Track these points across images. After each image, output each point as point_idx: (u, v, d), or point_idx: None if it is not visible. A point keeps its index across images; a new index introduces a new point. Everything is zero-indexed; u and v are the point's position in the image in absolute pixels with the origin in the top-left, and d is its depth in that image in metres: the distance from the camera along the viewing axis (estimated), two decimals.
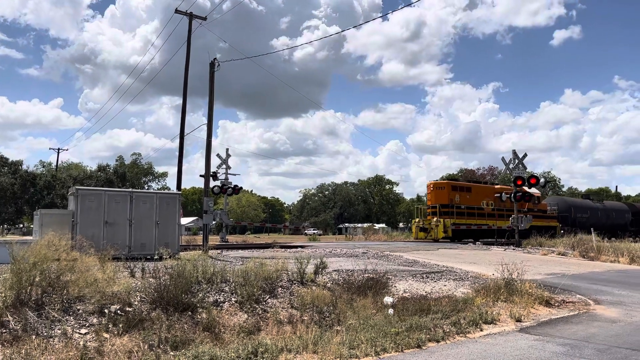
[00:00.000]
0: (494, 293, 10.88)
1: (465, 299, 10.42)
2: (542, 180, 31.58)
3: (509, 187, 35.66)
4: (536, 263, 18.15)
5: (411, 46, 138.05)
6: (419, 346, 7.45)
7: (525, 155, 28.13)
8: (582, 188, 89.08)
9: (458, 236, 33.41)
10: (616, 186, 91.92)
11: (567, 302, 11.24)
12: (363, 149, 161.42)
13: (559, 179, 78.82)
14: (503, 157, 28.88)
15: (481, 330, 8.65)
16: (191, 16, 28.89)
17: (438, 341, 7.81)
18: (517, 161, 27.91)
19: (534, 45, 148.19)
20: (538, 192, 39.01)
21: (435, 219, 33.28)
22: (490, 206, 35.80)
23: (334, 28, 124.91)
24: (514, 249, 25.34)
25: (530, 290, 10.98)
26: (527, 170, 29.24)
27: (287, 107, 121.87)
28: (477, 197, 35.94)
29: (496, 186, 38.59)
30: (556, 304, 10.98)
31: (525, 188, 35.23)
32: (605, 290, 12.89)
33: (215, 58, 19.94)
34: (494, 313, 9.58)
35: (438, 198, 34.82)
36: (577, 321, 9.51)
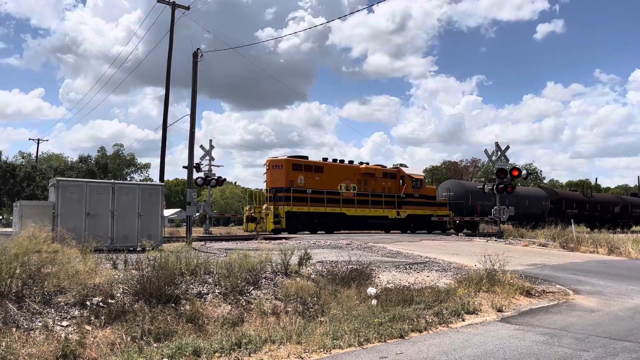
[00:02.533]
0: (476, 284, 11.01)
1: (448, 290, 10.53)
2: (524, 172, 31.80)
3: (379, 166, 32.42)
4: (518, 254, 18.39)
5: (396, 38, 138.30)
6: (401, 336, 7.52)
7: (507, 148, 28.39)
8: (563, 180, 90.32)
9: (296, 227, 27.28)
10: (596, 178, 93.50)
11: (547, 292, 11.42)
12: (348, 141, 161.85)
13: (541, 171, 79.68)
14: (486, 149, 29.07)
15: (463, 320, 8.75)
16: (174, 5, 28.56)
17: (420, 331, 7.89)
18: (499, 153, 28.16)
19: (518, 39, 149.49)
20: (420, 174, 34.59)
21: (265, 205, 26.96)
22: (353, 190, 29.03)
23: (319, 20, 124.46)
24: (496, 240, 25.64)
25: (511, 281, 11.14)
26: (509, 162, 29.54)
27: (272, 98, 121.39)
28: (332, 179, 29.04)
29: (362, 165, 31.29)
30: (537, 294, 11.15)
31: (404, 169, 33.21)
32: (585, 281, 13.11)
33: (198, 48, 19.78)
34: (476, 303, 9.70)
35: (274, 179, 27.82)
36: (556, 311, 9.67)
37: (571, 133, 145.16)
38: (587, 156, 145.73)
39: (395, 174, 32.71)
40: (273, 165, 28.11)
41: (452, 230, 34.52)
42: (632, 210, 52.79)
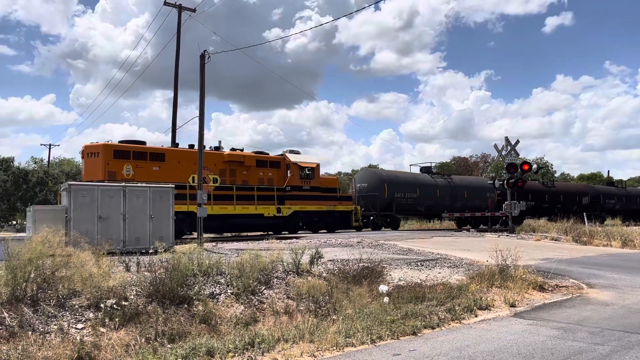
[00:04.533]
0: (488, 279, 10.97)
1: (460, 286, 10.50)
2: (534, 166, 31.58)
3: (258, 153, 26.07)
4: (530, 249, 18.28)
5: (403, 35, 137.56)
6: (414, 333, 7.52)
7: (517, 142, 28.24)
8: (575, 173, 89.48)
9: None
10: (608, 171, 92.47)
11: (560, 287, 11.35)
12: (357, 139, 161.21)
13: (552, 164, 78.99)
14: (495, 144, 28.89)
15: (476, 316, 8.73)
16: (180, 8, 28.70)
17: (433, 328, 7.88)
18: (509, 148, 28.01)
19: (526, 33, 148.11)
20: (313, 161, 27.03)
21: None
22: (213, 183, 22.65)
23: (327, 19, 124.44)
24: (507, 235, 25.51)
25: (524, 276, 11.08)
26: (519, 157, 29.37)
27: (281, 98, 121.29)
28: (179, 170, 22.43)
29: (225, 152, 24.98)
30: (550, 289, 11.09)
31: (290, 156, 26.35)
32: (598, 274, 13.02)
33: (205, 50, 19.79)
34: (489, 299, 9.67)
35: (90, 171, 21.93)
36: (570, 305, 9.61)
37: (582, 126, 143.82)
38: (598, 149, 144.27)
39: (279, 163, 26.19)
40: (88, 154, 22.05)
41: (370, 229, 30.06)
42: (604, 201, 45.95)
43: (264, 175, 25.56)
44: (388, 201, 30.29)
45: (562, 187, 45.27)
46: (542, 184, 43.55)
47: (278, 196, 25.39)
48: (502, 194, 36.92)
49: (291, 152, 27.24)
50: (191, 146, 24.03)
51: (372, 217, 30.02)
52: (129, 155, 22.04)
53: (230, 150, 25.31)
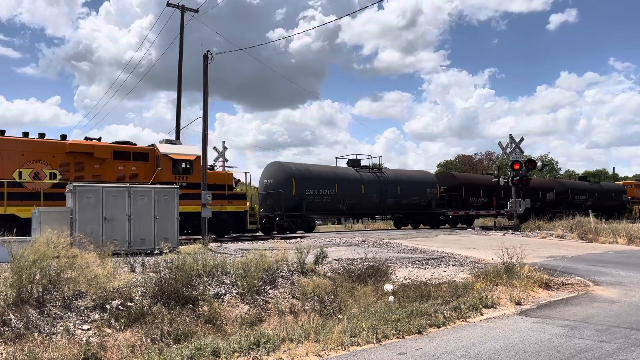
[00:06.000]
0: (494, 277, 10.94)
1: (465, 284, 10.48)
2: (539, 163, 31.48)
3: (103, 142, 21.13)
4: (535, 246, 18.23)
5: (407, 34, 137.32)
6: (419, 332, 7.50)
7: (522, 140, 28.19)
8: (580, 170, 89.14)
9: None
10: (613, 167, 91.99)
11: (566, 284, 11.31)
12: (361, 138, 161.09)
13: (557, 162, 78.79)
14: (500, 142, 28.84)
15: (481, 314, 8.70)
16: (183, 8, 28.73)
17: (439, 326, 7.86)
18: (514, 145, 27.94)
19: (530, 30, 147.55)
20: (191, 153, 22.22)
21: None
22: (52, 179, 19.07)
23: (330, 18, 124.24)
24: (512, 233, 25.45)
25: (529, 274, 11.05)
26: (524, 154, 29.28)
27: (285, 98, 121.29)
28: (2, 163, 18.47)
29: (68, 142, 20.28)
30: (555, 287, 11.05)
31: (161, 147, 21.66)
32: (604, 271, 12.96)
33: (208, 50, 19.83)
34: (494, 297, 9.64)
35: None
36: (576, 303, 9.57)
37: (587, 123, 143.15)
38: (603, 146, 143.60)
39: (147, 155, 21.56)
40: None
41: (275, 232, 25.65)
42: (573, 197, 42.00)
43: (125, 170, 20.98)
44: (297, 199, 26.00)
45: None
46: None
47: None
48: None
49: (168, 142, 22.95)
50: (25, 134, 19.59)
51: (277, 219, 25.71)
52: None
53: (85, 139, 21.07)
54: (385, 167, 35.01)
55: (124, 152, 21.05)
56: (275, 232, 25.09)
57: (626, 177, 63.77)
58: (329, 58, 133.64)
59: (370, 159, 31.83)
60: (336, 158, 33.57)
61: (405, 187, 31.00)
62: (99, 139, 21.26)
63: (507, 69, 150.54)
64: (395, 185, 30.53)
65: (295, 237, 21.29)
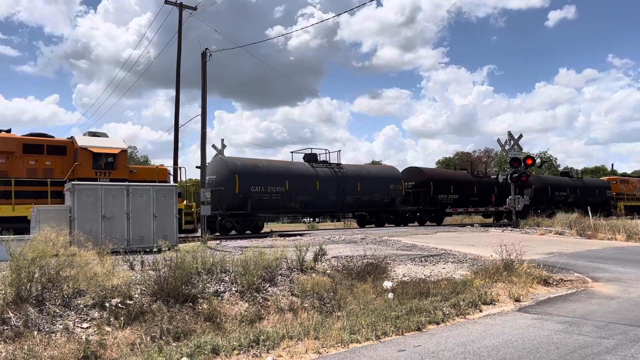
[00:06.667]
0: (493, 274, 10.95)
1: (464, 281, 10.49)
2: (538, 160, 31.45)
3: (11, 134, 19.29)
4: (534, 243, 18.25)
5: (405, 31, 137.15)
6: (419, 329, 7.51)
7: (520, 136, 28.15)
8: (579, 167, 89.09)
9: None
10: (612, 164, 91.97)
11: (565, 281, 11.32)
12: (360, 136, 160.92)
13: (555, 158, 78.81)
14: (498, 139, 28.83)
15: (480, 311, 8.71)
16: (181, 6, 28.67)
17: (438, 323, 7.87)
18: (512, 142, 27.94)
19: (529, 27, 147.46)
20: (115, 146, 20.43)
21: None
22: None
23: (328, 15, 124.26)
24: (511, 230, 25.47)
25: (528, 270, 11.06)
26: (523, 151, 29.28)
27: (283, 95, 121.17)
28: None
29: None
30: (554, 283, 11.06)
31: (80, 139, 19.91)
32: (603, 268, 12.98)
33: (206, 48, 19.79)
34: (493, 294, 9.65)
35: None
36: (575, 299, 9.59)
37: (585, 119, 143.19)
38: (602, 142, 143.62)
39: (64, 148, 19.78)
40: None
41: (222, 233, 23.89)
42: (553, 193, 40.04)
43: (37, 165, 19.08)
44: (241, 197, 24.05)
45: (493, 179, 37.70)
46: (471, 173, 36.90)
47: (57, 192, 18.17)
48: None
49: (91, 134, 21.08)
50: None
51: (219, 218, 23.95)
52: None
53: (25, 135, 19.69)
54: (356, 164, 33.19)
55: (36, 145, 19.21)
56: (218, 234, 23.57)
57: (625, 174, 63.44)
58: (328, 55, 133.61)
59: (327, 154, 29.72)
60: (292, 152, 28.75)
61: (366, 183, 29.18)
62: (8, 131, 19.47)
63: (506, 66, 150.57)
64: (355, 182, 28.59)
65: (294, 235, 21.31)
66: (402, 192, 30.85)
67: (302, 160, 28.90)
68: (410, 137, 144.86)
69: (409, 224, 31.14)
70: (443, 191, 32.95)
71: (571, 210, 33.69)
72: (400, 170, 33.35)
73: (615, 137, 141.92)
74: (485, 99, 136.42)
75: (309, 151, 29.40)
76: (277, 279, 10.02)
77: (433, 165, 72.00)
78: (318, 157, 29.09)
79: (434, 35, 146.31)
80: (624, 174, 62.82)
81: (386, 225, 30.05)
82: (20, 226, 16.26)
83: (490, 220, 37.71)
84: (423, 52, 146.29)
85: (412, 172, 33.90)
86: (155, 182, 20.50)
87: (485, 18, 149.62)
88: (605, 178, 52.28)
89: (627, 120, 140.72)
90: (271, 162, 27.77)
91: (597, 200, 44.15)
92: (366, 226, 30.46)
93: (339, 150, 31.85)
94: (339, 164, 29.35)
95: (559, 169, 76.86)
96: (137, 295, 8.30)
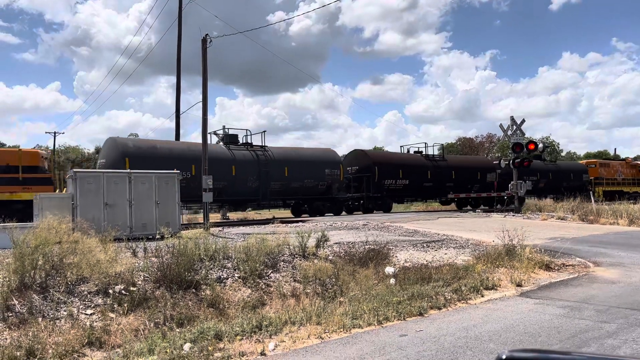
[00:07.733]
0: (495, 259, 10.98)
1: (466, 266, 10.52)
2: (540, 145, 31.31)
3: None
4: (536, 228, 18.25)
5: (408, 16, 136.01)
6: (421, 314, 7.55)
7: (523, 121, 28.02)
8: (582, 152, 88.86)
9: None
10: (615, 149, 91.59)
11: (567, 266, 11.34)
12: (362, 122, 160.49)
13: (558, 143, 78.53)
14: (501, 124, 28.67)
15: (482, 296, 8.75)
16: None
17: (440, 308, 7.90)
18: (515, 127, 27.83)
19: (532, 11, 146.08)
20: None
21: None
22: None
23: (330, 0, 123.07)
24: (513, 215, 25.48)
25: (530, 255, 11.08)
26: (525, 136, 29.17)
27: (285, 82, 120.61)
28: None
29: None
30: (556, 268, 11.09)
31: None
32: (605, 252, 12.99)
33: (207, 34, 19.66)
34: (495, 279, 9.68)
35: None
36: (576, 284, 9.61)
37: (588, 104, 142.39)
38: (605, 127, 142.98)
39: None
40: None
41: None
42: (522, 178, 34.16)
43: None
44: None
45: (456, 161, 35.68)
46: (425, 157, 33.70)
47: None
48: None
49: None
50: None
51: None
52: None
53: None
54: (276, 146, 28.23)
55: None
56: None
57: (636, 158, 62.40)
58: (330, 41, 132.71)
59: (249, 135, 26.71)
60: (211, 133, 25.73)
61: (296, 167, 26.12)
62: None
63: (509, 51, 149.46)
64: (281, 166, 25.65)
65: (297, 221, 21.34)
66: (341, 177, 28.00)
67: (220, 143, 26.20)
68: (413, 123, 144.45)
69: (355, 213, 28.70)
70: (390, 176, 30.18)
71: (543, 197, 31.77)
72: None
73: (618, 121, 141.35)
74: (488, 84, 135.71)
75: (227, 132, 26.45)
76: (280, 265, 10.06)
77: (435, 151, 71.62)
78: (240, 139, 26.36)
79: (436, 19, 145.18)
80: (614, 157, 57.18)
81: (326, 214, 27.18)
82: None
83: (450, 207, 35.41)
84: (425, 37, 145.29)
85: (356, 155, 31.26)
86: (17, 168, 19.57)
87: (488, 2, 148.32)
88: (584, 162, 49.64)
89: (631, 104, 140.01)
90: (173, 143, 25.42)
91: (572, 184, 40.95)
92: (302, 216, 27.35)
93: (264, 131, 27.21)
94: (263, 147, 26.38)
95: (562, 154, 76.68)
96: (140, 282, 8.34)
